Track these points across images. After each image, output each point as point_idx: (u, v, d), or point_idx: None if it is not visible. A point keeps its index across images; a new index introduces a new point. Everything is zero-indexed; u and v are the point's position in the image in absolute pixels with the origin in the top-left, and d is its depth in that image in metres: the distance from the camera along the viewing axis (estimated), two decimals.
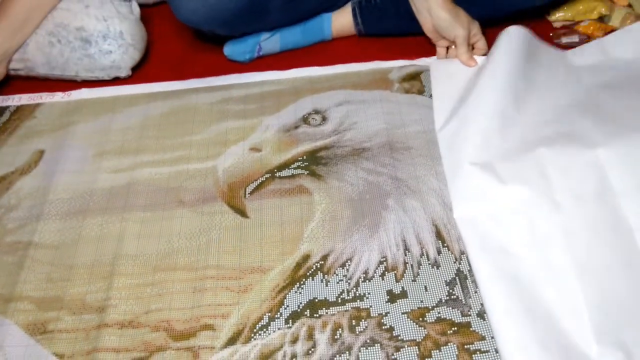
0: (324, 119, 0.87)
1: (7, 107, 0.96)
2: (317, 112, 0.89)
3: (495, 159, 0.74)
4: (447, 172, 0.77)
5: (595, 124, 0.73)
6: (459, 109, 0.82)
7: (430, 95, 0.90)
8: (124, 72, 0.97)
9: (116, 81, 0.98)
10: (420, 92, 0.91)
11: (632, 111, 0.74)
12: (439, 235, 0.71)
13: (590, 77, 0.85)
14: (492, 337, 0.61)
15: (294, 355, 0.61)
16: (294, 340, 0.63)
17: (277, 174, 0.80)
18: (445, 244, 0.70)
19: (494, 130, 0.77)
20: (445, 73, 0.91)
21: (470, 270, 0.67)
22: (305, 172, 0.80)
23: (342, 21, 1.02)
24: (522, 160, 0.72)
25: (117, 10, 0.94)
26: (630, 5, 1.03)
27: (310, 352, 0.62)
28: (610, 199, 0.64)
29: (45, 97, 0.97)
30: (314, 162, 0.82)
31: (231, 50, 0.99)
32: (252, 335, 0.64)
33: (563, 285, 0.62)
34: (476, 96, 0.81)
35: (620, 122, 0.73)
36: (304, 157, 0.82)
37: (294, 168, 0.81)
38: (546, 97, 0.82)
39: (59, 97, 0.97)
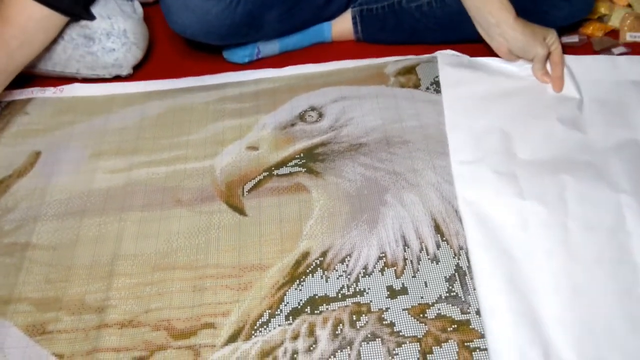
0: (320, 115, 0.87)
1: None
2: (313, 108, 0.89)
3: (519, 171, 0.75)
4: (462, 170, 0.77)
5: (625, 166, 0.76)
6: (481, 116, 0.83)
7: (427, 89, 0.90)
8: (126, 71, 0.97)
9: (114, 79, 0.98)
10: (417, 85, 0.91)
11: None
12: (437, 229, 0.71)
13: (635, 92, 0.87)
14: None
15: (295, 352, 0.61)
16: (295, 337, 0.63)
17: (275, 172, 0.80)
18: (444, 238, 0.70)
19: (520, 144, 0.79)
20: (455, 76, 0.90)
21: (469, 267, 0.67)
22: (303, 170, 0.80)
23: (342, 27, 1.01)
24: (544, 179, 0.74)
25: (121, 8, 0.94)
26: (630, 5, 1.04)
27: (311, 348, 0.62)
28: (622, 236, 0.68)
29: (36, 92, 0.96)
30: (312, 159, 0.82)
31: (230, 53, 0.99)
32: (253, 332, 0.64)
33: (557, 296, 0.63)
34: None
35: None
36: (301, 155, 0.82)
37: (292, 166, 0.81)
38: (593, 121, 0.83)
39: (50, 92, 0.96)
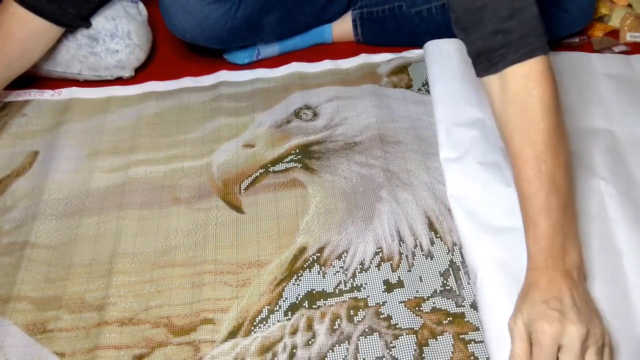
0: (315, 114, 0.88)
1: None
2: (308, 107, 0.90)
3: (502, 160, 0.76)
4: (449, 168, 0.77)
5: (603, 155, 0.78)
6: (463, 110, 0.83)
7: (418, 90, 0.91)
8: (128, 73, 0.97)
9: (113, 81, 0.98)
10: (409, 86, 0.92)
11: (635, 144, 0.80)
12: (431, 227, 0.73)
13: (610, 85, 0.88)
14: None
15: (294, 346, 0.62)
16: (294, 332, 0.64)
17: (271, 169, 0.81)
18: (438, 235, 0.72)
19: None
20: (441, 58, 0.90)
21: (462, 262, 0.69)
22: (299, 166, 0.81)
23: (342, 29, 1.02)
24: None
25: (125, 10, 0.95)
26: (630, 5, 1.04)
27: (310, 342, 0.63)
28: (605, 224, 0.70)
29: (34, 94, 0.96)
30: (307, 156, 0.83)
31: (231, 55, 0.99)
32: (252, 328, 0.65)
33: None
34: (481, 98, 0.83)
35: (622, 158, 0.78)
36: (297, 151, 0.83)
37: (288, 162, 0.82)
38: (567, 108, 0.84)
39: (48, 94, 0.96)
